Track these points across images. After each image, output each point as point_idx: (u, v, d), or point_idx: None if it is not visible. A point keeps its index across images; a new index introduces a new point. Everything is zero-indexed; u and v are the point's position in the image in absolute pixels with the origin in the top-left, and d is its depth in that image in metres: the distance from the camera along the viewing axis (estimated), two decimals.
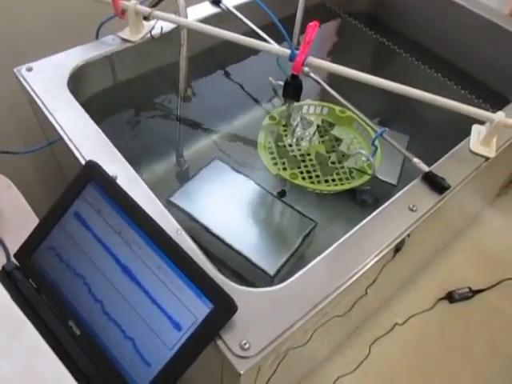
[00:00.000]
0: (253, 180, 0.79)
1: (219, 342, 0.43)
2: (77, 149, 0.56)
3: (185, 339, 0.43)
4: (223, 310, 0.43)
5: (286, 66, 0.70)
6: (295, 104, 0.79)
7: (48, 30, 0.80)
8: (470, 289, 0.93)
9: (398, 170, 0.75)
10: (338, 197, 0.84)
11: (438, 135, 0.87)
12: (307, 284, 0.47)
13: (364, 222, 0.52)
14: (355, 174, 0.73)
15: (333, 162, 0.74)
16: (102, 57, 0.68)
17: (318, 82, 0.66)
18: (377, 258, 0.49)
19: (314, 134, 0.77)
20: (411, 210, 0.54)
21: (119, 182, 0.54)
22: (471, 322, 0.91)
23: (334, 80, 0.76)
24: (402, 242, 0.54)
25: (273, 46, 0.63)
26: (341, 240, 0.50)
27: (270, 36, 0.76)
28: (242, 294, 0.46)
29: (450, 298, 0.91)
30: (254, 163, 0.76)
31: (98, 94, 0.71)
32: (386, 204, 0.54)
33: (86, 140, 0.57)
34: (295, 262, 0.69)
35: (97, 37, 0.72)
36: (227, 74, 0.84)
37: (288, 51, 0.62)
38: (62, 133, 0.57)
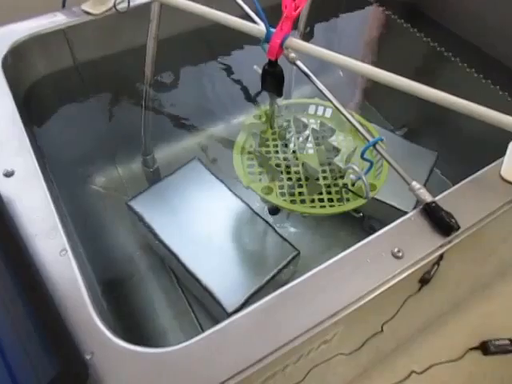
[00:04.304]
0: (233, 191, 0.66)
1: None
2: None
3: None
4: (71, 376, 0.30)
5: None
6: (291, 101, 0.65)
7: None
8: (510, 341, 0.74)
9: None
10: (342, 221, 0.71)
11: (477, 153, 0.69)
12: (214, 351, 0.33)
13: (320, 267, 0.36)
14: (351, 196, 0.57)
15: (325, 178, 0.58)
16: (50, 31, 0.57)
17: (303, 71, 0.51)
18: (319, 328, 0.33)
19: (307, 140, 0.62)
20: (395, 256, 0.38)
21: (15, 177, 0.42)
22: (508, 381, 0.73)
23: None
24: (429, 273, 0.43)
25: (246, 23, 0.49)
26: (277, 292, 0.35)
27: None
28: (120, 352, 0.33)
29: (485, 349, 0.74)
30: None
31: (46, 76, 0.61)
32: (359, 245, 0.38)
33: None
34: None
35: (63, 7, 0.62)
36: (213, 62, 0.71)
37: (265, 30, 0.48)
38: None
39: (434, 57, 0.82)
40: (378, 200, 0.63)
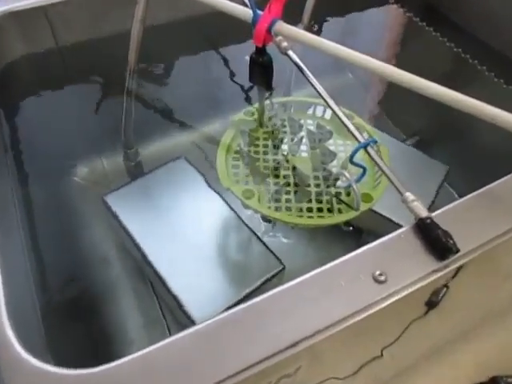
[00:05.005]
0: (221, 195, 0.61)
1: None
2: None
3: None
4: None
5: None
6: (288, 99, 0.60)
7: None
8: None
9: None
10: (339, 233, 0.65)
11: (495, 167, 0.62)
12: (139, 378, 0.27)
13: (279, 289, 0.30)
14: (343, 207, 0.50)
15: (317, 185, 0.52)
16: (28, 8, 0.53)
17: (294, 62, 0.45)
18: (268, 363, 0.27)
19: (301, 142, 0.56)
20: (376, 280, 0.31)
21: None
22: None
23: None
24: (437, 295, 0.40)
25: (232, 4, 0.44)
26: (224, 314, 0.29)
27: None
28: (30, 372, 0.27)
29: None
30: None
31: (23, 58, 0.56)
32: (333, 264, 0.32)
33: None
34: None
35: None
36: (207, 53, 0.66)
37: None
38: None
39: (455, 61, 0.75)
40: (375, 212, 0.56)
